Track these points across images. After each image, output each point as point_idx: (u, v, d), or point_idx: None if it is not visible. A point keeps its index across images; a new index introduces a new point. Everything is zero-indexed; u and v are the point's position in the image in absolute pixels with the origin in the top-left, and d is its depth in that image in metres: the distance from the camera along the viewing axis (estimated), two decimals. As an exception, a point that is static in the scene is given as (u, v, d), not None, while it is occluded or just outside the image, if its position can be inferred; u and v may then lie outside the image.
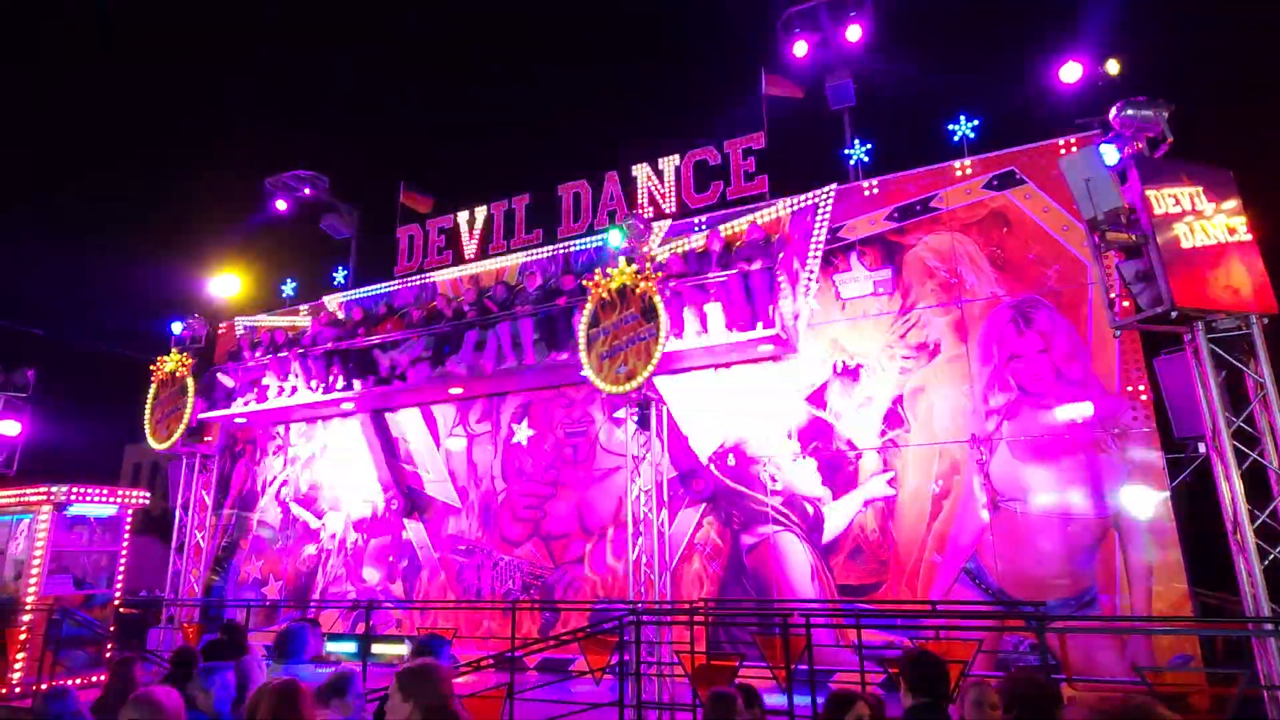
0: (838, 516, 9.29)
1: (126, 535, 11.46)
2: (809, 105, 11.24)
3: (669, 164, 11.37)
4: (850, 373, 9.64)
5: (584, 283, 9.41)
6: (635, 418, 8.99)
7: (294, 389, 11.90)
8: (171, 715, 2.59)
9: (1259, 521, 6.33)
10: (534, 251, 12.12)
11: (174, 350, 12.56)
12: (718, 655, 7.85)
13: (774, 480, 9.73)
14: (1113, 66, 8.55)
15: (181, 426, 12.07)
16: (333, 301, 13.66)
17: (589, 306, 9.14)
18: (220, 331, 14.67)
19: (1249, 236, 6.73)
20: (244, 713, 2.29)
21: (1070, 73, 8.62)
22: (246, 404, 12.30)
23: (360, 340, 11.56)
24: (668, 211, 11.20)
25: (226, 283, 14.02)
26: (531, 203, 12.43)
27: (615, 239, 9.56)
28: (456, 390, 11.40)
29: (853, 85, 10.80)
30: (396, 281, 13.15)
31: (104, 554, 11.21)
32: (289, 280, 14.56)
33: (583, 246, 11.58)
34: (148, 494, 12.02)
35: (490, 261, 12.38)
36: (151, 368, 12.59)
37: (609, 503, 10.67)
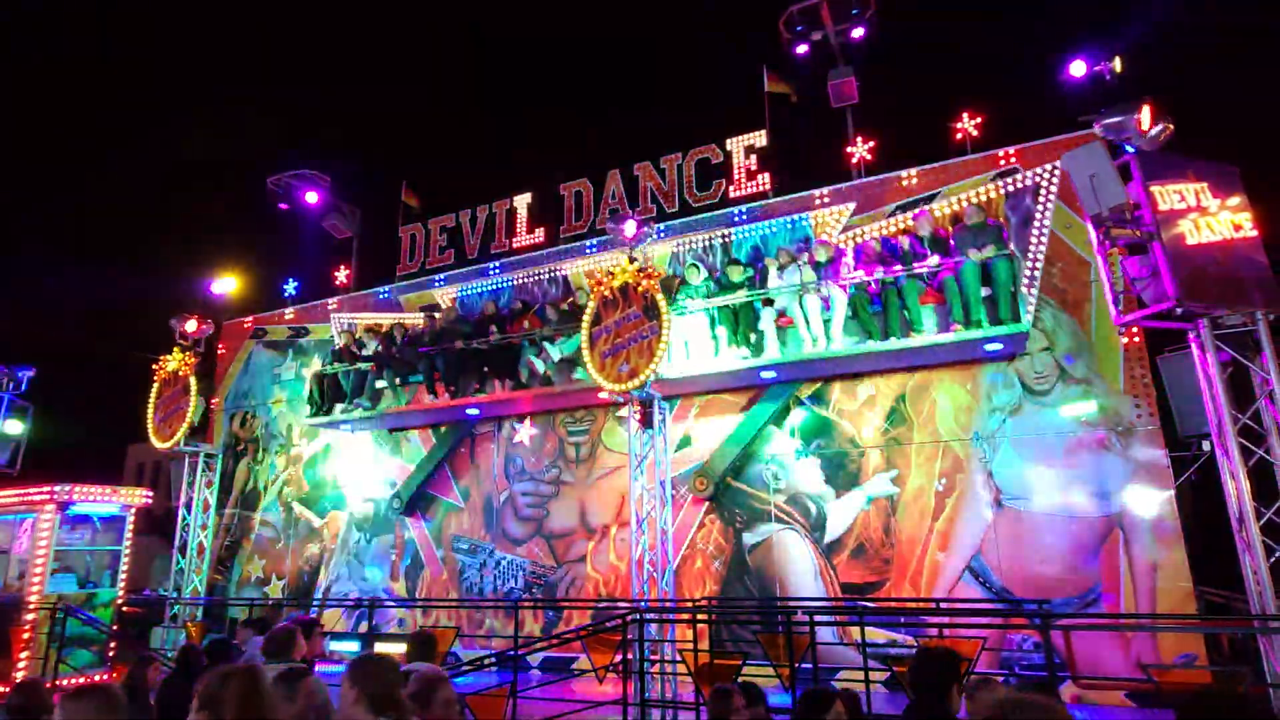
0: (841, 515, 9.27)
1: (129, 534, 11.46)
2: (811, 102, 11.23)
3: (671, 163, 11.36)
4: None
5: (585, 281, 9.40)
6: (638, 416, 8.98)
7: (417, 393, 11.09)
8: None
9: (1265, 518, 6.31)
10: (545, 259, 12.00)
11: (176, 350, 12.57)
12: (721, 654, 7.84)
13: (777, 478, 9.71)
14: (1117, 63, 8.51)
15: (185, 425, 12.08)
16: (445, 296, 12.67)
17: (591, 304, 9.13)
18: (223, 330, 14.68)
19: (1254, 233, 6.71)
20: (202, 693, 2.29)
21: (1076, 69, 8.59)
22: (351, 413, 11.42)
23: (494, 337, 10.48)
24: (669, 210, 11.19)
25: (227, 282, 14.02)
26: (534, 202, 12.44)
27: (629, 229, 9.23)
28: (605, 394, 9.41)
29: (855, 83, 10.77)
30: (510, 275, 12.15)
31: (107, 553, 11.22)
32: (290, 279, 14.57)
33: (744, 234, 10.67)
34: (150, 493, 12.02)
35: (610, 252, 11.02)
36: (154, 367, 12.61)
37: (612, 501, 10.65)
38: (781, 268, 9.18)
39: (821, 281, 8.72)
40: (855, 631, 8.14)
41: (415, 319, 12.41)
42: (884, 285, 8.47)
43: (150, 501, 11.78)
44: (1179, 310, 6.52)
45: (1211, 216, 6.70)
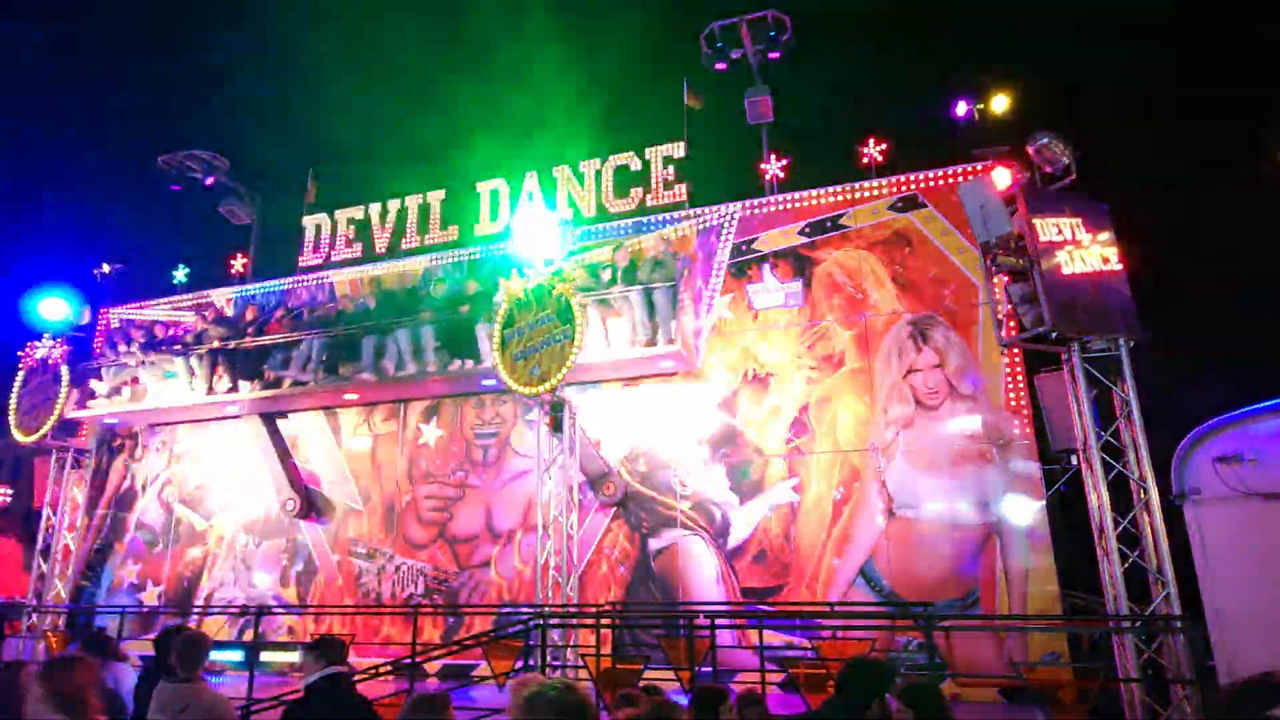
0: (744, 521, 9.51)
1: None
2: (729, 118, 11.52)
3: (590, 168, 11.39)
4: (760, 381, 9.89)
5: (500, 281, 9.30)
6: (547, 420, 8.93)
7: (174, 387, 11.29)
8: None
9: (1120, 528, 6.91)
10: (438, 257, 11.80)
11: (46, 336, 11.57)
12: (623, 658, 7.89)
13: (684, 485, 9.86)
14: (1000, 103, 9.16)
15: (53, 419, 11.13)
16: (221, 296, 12.98)
17: (505, 307, 9.02)
18: (103, 318, 13.64)
19: (1119, 266, 7.36)
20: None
21: (960, 109, 9.27)
22: (115, 400, 11.61)
23: (250, 341, 11.12)
24: (587, 215, 11.21)
25: (111, 265, 13.05)
26: (447, 198, 12.18)
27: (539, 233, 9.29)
28: (352, 396, 11.20)
29: (771, 102, 11.12)
30: (291, 280, 12.62)
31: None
32: (181, 265, 13.70)
33: (489, 254, 11.40)
34: (9, 491, 11.01)
35: (396, 263, 12.02)
36: (20, 354, 11.56)
37: (519, 505, 10.53)
38: None
39: None
40: (754, 635, 8.36)
41: (186, 316, 12.80)
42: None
43: (8, 500, 10.79)
44: (1054, 334, 7.07)
45: (1084, 250, 7.30)
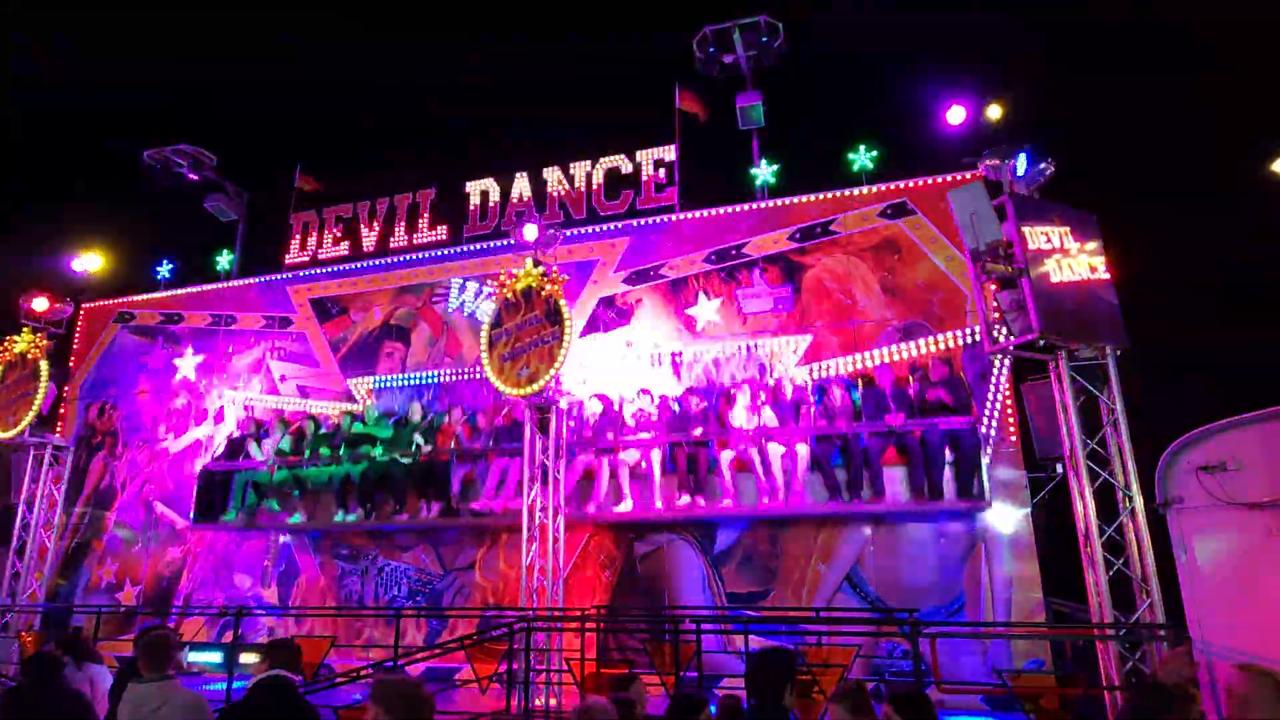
0: (731, 526, 9.47)
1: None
2: (721, 122, 11.52)
3: (580, 169, 11.35)
4: (747, 380, 9.84)
5: (489, 283, 9.24)
6: (536, 421, 8.87)
7: None
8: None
9: (1106, 535, 6.94)
10: (444, 259, 11.73)
11: (26, 329, 11.38)
12: (608, 663, 7.83)
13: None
14: (994, 111, 9.20)
15: (31, 414, 10.94)
16: (360, 387, 11.68)
17: (493, 307, 8.98)
18: (83, 312, 13.45)
19: (1107, 275, 7.40)
20: None
21: (955, 116, 9.29)
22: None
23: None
24: (577, 217, 11.17)
25: (90, 260, 12.85)
26: (437, 198, 12.11)
27: (530, 233, 9.24)
28: None
29: (762, 107, 11.14)
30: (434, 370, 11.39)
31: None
32: (165, 261, 13.54)
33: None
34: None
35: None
36: (-2, 348, 11.38)
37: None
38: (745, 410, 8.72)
39: (783, 426, 8.44)
40: (740, 640, 8.33)
41: (330, 410, 11.48)
42: (847, 439, 8.32)
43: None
44: (1041, 342, 7.09)
45: (1072, 258, 7.34)
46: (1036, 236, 7.29)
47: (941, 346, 9.21)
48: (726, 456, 8.67)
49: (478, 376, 10.32)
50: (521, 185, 11.59)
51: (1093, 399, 7.30)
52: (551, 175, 11.47)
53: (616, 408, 9.59)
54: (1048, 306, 7.02)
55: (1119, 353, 7.23)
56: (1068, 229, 7.43)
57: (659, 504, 8.83)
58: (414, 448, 9.77)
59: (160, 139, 13.01)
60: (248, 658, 9.93)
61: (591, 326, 10.71)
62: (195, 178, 13.21)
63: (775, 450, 8.48)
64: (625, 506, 8.88)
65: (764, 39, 11.11)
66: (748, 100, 11.12)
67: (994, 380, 8.97)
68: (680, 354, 10.26)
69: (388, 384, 11.55)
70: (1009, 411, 8.89)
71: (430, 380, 11.28)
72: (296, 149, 13.91)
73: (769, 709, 3.37)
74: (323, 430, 10.77)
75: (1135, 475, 7.01)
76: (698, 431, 8.82)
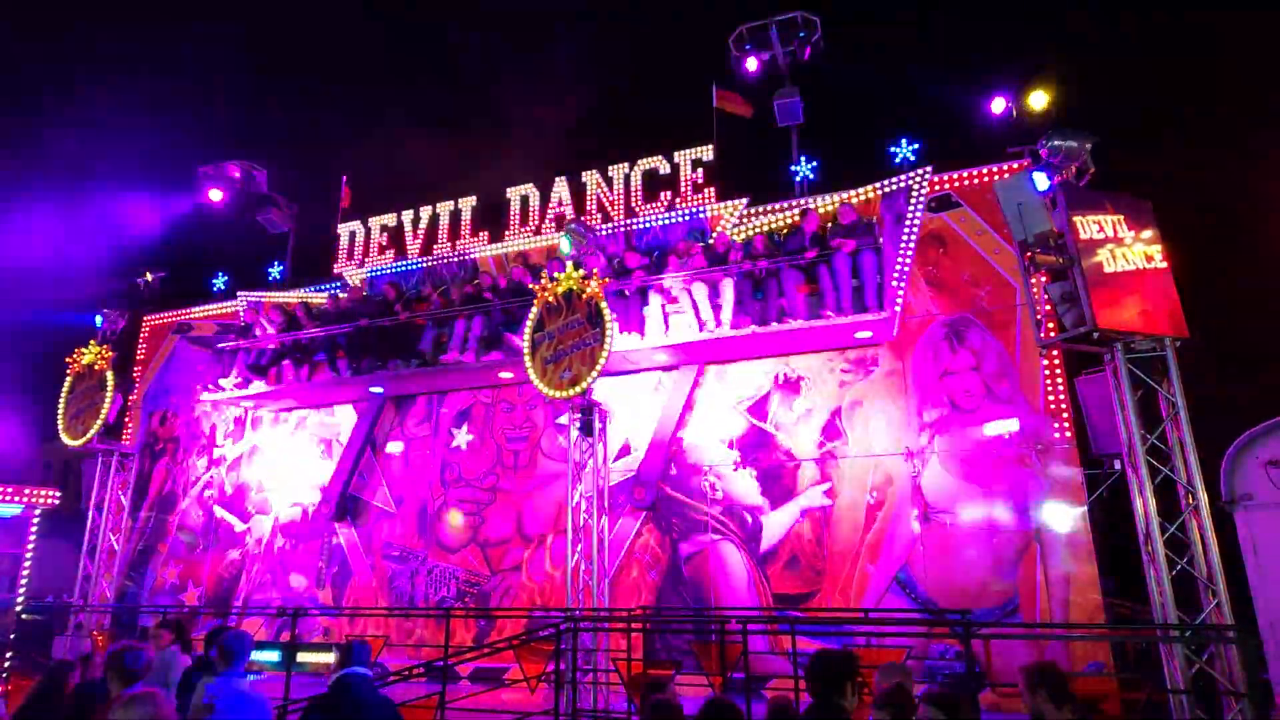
0: (775, 526, 9.41)
1: (32, 537, 10.77)
2: (758, 120, 11.45)
3: (618, 171, 11.40)
4: (791, 384, 9.80)
5: (531, 286, 9.34)
6: (578, 424, 8.94)
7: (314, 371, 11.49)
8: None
9: (1168, 533, 6.68)
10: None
11: (93, 343, 11.92)
12: (654, 663, 7.85)
13: (714, 489, 9.79)
14: (1039, 100, 8.95)
15: (99, 422, 11.44)
16: (356, 276, 12.59)
17: (534, 310, 9.07)
18: (145, 325, 14.00)
19: (1164, 264, 7.14)
20: None
21: (998, 105, 9.09)
22: (249, 386, 11.56)
23: (403, 316, 10.87)
24: (616, 219, 11.22)
25: (150, 274, 13.38)
26: (478, 204, 12.29)
27: (564, 246, 9.45)
28: (507, 375, 10.63)
29: (800, 103, 11.04)
30: (429, 259, 12.23)
31: (6, 556, 10.52)
32: (220, 274, 14.03)
33: (647, 225, 11.03)
34: (58, 493, 11.33)
35: (539, 238, 11.66)
36: (68, 360, 11.92)
37: (549, 509, 10.55)
38: (680, 257, 9.76)
39: (710, 270, 9.38)
40: (787, 641, 8.26)
41: (320, 299, 12.53)
42: (767, 275, 9.20)
43: (57, 502, 11.10)
44: (1096, 335, 6.87)
45: (1126, 247, 7.10)
46: (1088, 226, 7.07)
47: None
48: (656, 300, 9.51)
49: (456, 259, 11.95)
50: (561, 189, 11.69)
51: (1151, 392, 7.04)
52: (590, 179, 11.54)
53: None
54: (1102, 297, 6.80)
55: (1178, 344, 6.96)
56: (1121, 217, 7.19)
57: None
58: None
59: (214, 154, 13.48)
60: (304, 656, 10.23)
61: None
62: (247, 191, 13.63)
63: (700, 290, 9.30)
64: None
65: (801, 34, 11.01)
66: (785, 97, 11.04)
67: (1045, 375, 8.73)
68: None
69: (380, 272, 12.51)
70: (1063, 407, 8.64)
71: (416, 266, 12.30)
72: (343, 160, 14.26)
73: (828, 709, 3.34)
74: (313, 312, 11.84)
75: (1198, 471, 6.74)
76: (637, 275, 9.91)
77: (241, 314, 12.89)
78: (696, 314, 9.31)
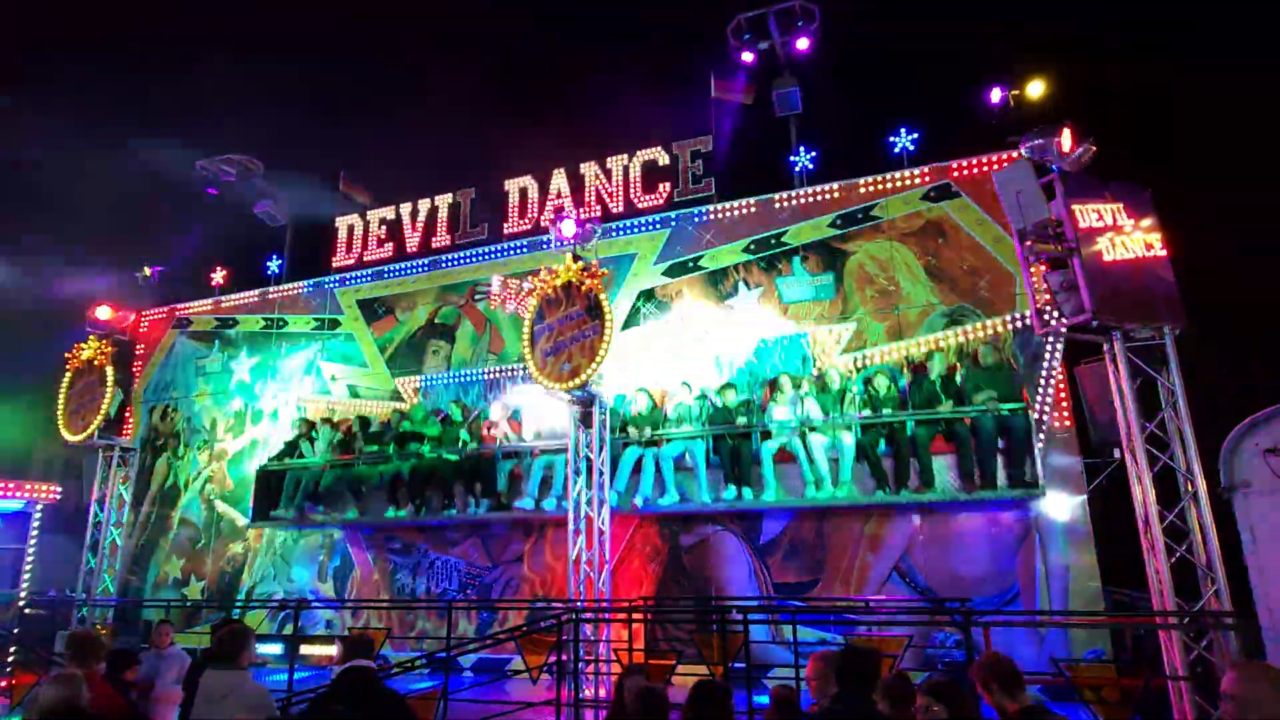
0: (776, 517, 9.42)
1: (34, 532, 10.80)
2: (756, 111, 11.41)
3: (617, 163, 11.37)
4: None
5: (530, 279, 9.32)
6: (578, 415, 8.94)
7: None
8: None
9: (1167, 521, 6.71)
10: (485, 257, 11.88)
11: (92, 338, 11.90)
12: (655, 654, 7.87)
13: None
14: (1035, 89, 8.92)
15: (99, 417, 11.44)
16: (407, 385, 11.71)
17: (533, 302, 9.06)
18: (144, 319, 13.99)
19: (1164, 252, 7.13)
20: None
21: (994, 96, 9.07)
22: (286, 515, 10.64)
23: None
24: (615, 211, 11.20)
25: (152, 269, 13.35)
26: (477, 197, 12.26)
27: (567, 229, 9.28)
28: None
29: (799, 93, 10.99)
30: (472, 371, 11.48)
31: (9, 551, 10.55)
32: (219, 268, 14.00)
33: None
34: (59, 489, 11.36)
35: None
36: (67, 355, 11.91)
37: (549, 501, 10.55)
38: (784, 395, 8.82)
39: (829, 417, 8.38)
40: (788, 630, 8.30)
41: (383, 410, 11.71)
42: (894, 428, 8.24)
43: (59, 498, 11.12)
44: (1095, 323, 6.87)
45: (1126, 235, 7.09)
46: (1087, 214, 7.06)
47: (990, 331, 9.01)
48: (769, 448, 8.61)
49: (521, 372, 10.42)
50: (559, 181, 11.66)
51: (1150, 381, 7.05)
52: (589, 170, 11.51)
53: (659, 401, 9.61)
54: (1101, 286, 6.80)
55: (1177, 333, 6.96)
56: (1120, 205, 7.18)
57: (705, 497, 8.79)
58: (461, 445, 9.96)
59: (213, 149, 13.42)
60: (308, 649, 10.28)
61: (632, 320, 10.74)
62: (244, 185, 13.58)
63: (817, 440, 8.40)
64: (670, 499, 8.88)
65: (799, 23, 10.96)
66: (784, 87, 11.00)
67: (1045, 364, 8.73)
68: (721, 345, 10.22)
69: (433, 381, 11.75)
70: (1062, 396, 8.64)
71: (475, 378, 11.45)
72: (340, 154, 14.22)
73: (860, 705, 3.36)
74: (373, 429, 11.03)
75: (1197, 459, 6.76)
76: (740, 422, 8.78)
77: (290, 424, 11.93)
78: (810, 468, 8.35)
